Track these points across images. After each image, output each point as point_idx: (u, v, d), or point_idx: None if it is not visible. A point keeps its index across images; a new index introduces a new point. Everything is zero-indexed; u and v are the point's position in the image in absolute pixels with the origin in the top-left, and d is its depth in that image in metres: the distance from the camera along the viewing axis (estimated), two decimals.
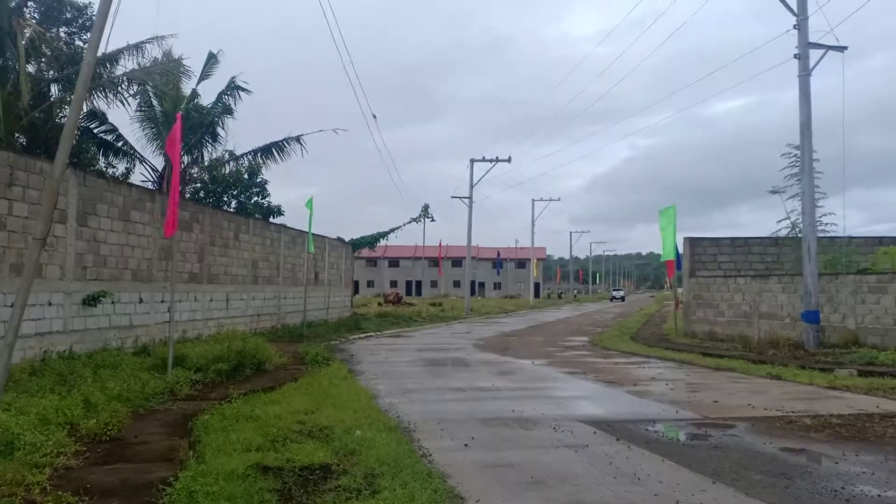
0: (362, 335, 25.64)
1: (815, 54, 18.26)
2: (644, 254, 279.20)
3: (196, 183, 29.58)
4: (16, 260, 12.40)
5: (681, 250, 25.03)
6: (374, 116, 30.54)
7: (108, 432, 7.98)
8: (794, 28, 18.10)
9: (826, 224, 20.86)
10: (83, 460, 7.09)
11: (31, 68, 19.31)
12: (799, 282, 19.29)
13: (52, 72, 18.93)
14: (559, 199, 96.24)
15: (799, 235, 21.26)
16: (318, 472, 6.69)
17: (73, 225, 13.99)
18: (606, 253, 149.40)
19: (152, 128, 23.96)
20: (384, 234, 37.83)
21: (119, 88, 19.12)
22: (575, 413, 10.06)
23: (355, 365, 16.16)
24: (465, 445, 8.01)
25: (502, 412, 10.13)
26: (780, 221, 22.41)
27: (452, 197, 49.63)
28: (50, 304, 13.25)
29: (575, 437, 8.45)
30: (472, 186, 48.16)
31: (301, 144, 26.31)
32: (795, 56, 18.19)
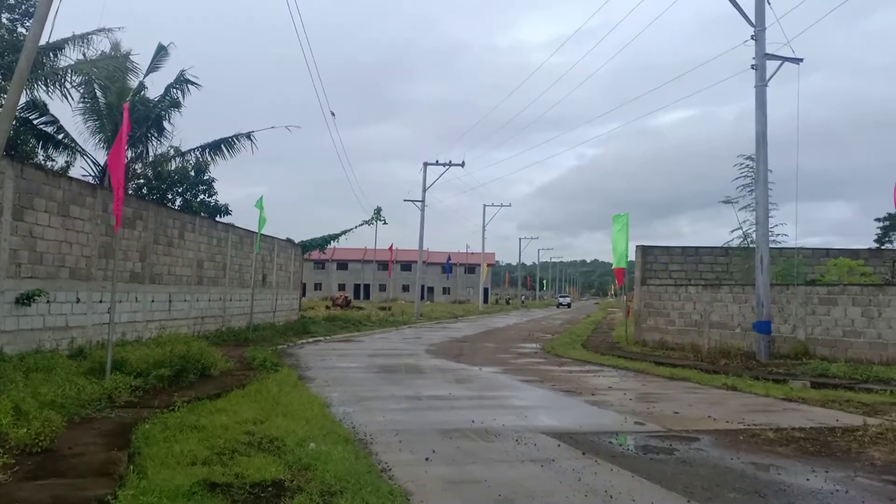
0: (311, 339, 25.02)
1: (771, 66, 18.43)
2: (588, 261, 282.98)
3: (139, 179, 28.52)
4: None
5: (632, 258, 25.09)
6: (333, 114, 29.97)
7: (40, 443, 7.35)
8: (752, 38, 18.25)
9: (777, 235, 21.10)
10: (11, 475, 6.47)
11: None
12: (750, 292, 19.45)
13: None
14: (510, 205, 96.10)
15: (750, 246, 21.49)
16: (270, 489, 6.24)
17: (8, 219, 13.17)
18: (553, 260, 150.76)
19: (95, 120, 22.96)
20: (335, 237, 37.16)
21: (62, 80, 18.17)
22: (536, 424, 9.77)
23: (305, 371, 15.63)
24: (427, 459, 7.63)
25: (461, 423, 9.78)
26: (732, 231, 22.65)
27: (405, 200, 49.28)
28: None
29: (539, 450, 8.14)
30: (424, 190, 47.83)
31: (252, 141, 25.63)
32: (752, 66, 18.34)
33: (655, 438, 9.04)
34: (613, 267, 26.72)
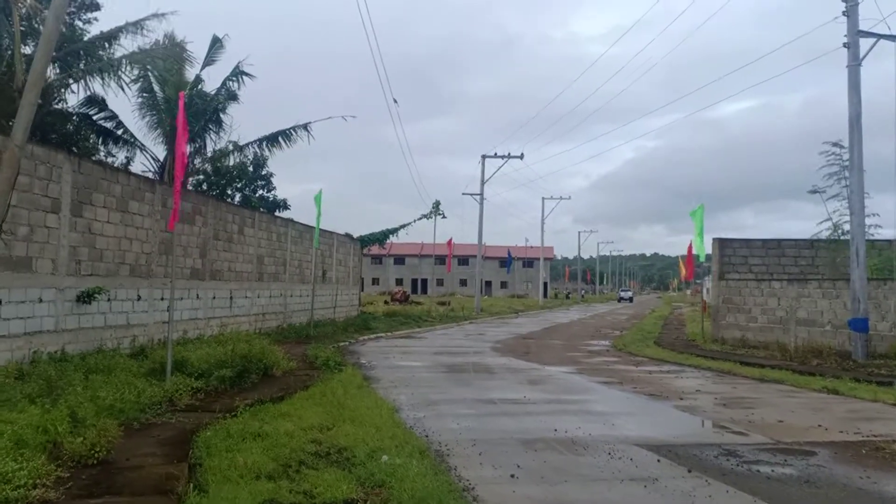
0: (372, 336, 24.47)
1: (864, 44, 17.01)
2: (648, 255, 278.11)
3: (199, 174, 28.41)
4: (3, 252, 11.24)
5: (709, 251, 23.79)
6: (395, 101, 29.36)
7: (96, 454, 6.79)
8: (844, 15, 16.87)
9: (868, 226, 19.55)
10: (64, 491, 5.93)
11: (27, 49, 18.15)
12: (842, 287, 18.10)
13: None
14: (570, 198, 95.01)
15: (841, 238, 20.04)
16: None
17: (67, 215, 12.84)
18: (612, 253, 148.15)
19: (154, 115, 22.76)
20: (394, 231, 36.62)
21: (118, 72, 17.90)
22: (627, 434, 8.87)
23: (369, 370, 15.00)
24: (512, 476, 6.83)
25: (544, 431, 8.95)
26: (820, 223, 21.10)
27: (464, 194, 48.42)
28: (41, 300, 12.12)
29: (638, 466, 7.25)
30: (483, 183, 46.98)
31: (308, 132, 25.14)
32: (844, 45, 16.94)
33: (765, 452, 8.05)
34: (701, 261, 25.38)
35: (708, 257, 23.63)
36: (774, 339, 19.80)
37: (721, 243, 22.76)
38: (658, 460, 7.49)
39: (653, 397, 12.02)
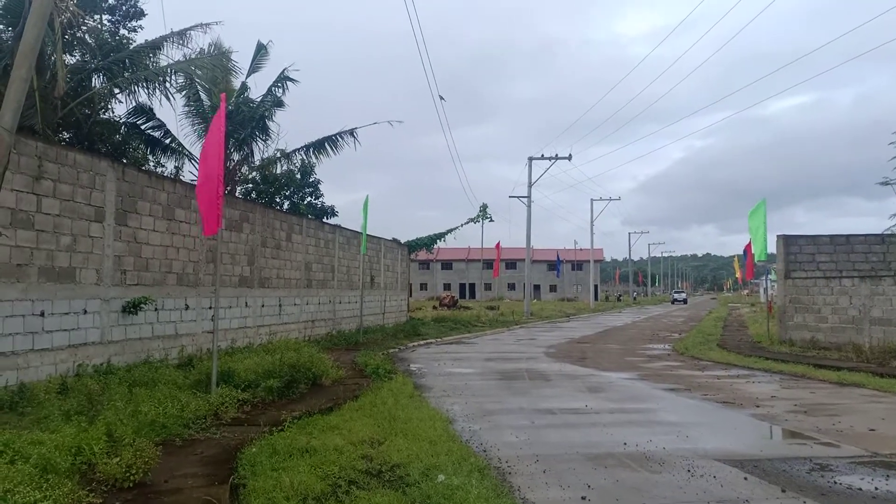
0: (422, 342, 23.95)
1: None
2: (700, 255, 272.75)
3: (247, 183, 28.32)
4: (45, 263, 11.01)
5: (771, 249, 22.67)
6: (442, 98, 28.89)
7: (132, 476, 6.34)
8: None
9: None
10: None
11: (72, 59, 18.13)
12: None
13: (94, 62, 17.65)
14: (619, 199, 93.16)
15: None
16: None
17: (112, 224, 12.59)
18: (664, 254, 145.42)
19: (201, 124, 22.66)
20: (441, 236, 36.14)
21: (164, 80, 17.75)
22: (704, 447, 8.12)
23: (420, 378, 14.45)
24: (584, 499, 6.17)
25: (612, 445, 8.25)
26: (893, 216, 19.87)
27: (510, 196, 47.84)
28: (85, 311, 11.86)
29: (723, 486, 6.52)
30: (530, 185, 46.17)
31: (355, 138, 24.84)
32: None
33: (863, 466, 7.23)
34: (757, 260, 24.27)
35: (771, 256, 22.52)
36: (847, 340, 18.66)
37: (786, 240, 21.62)
38: (745, 478, 6.74)
39: (726, 405, 11.18)
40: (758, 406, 10.99)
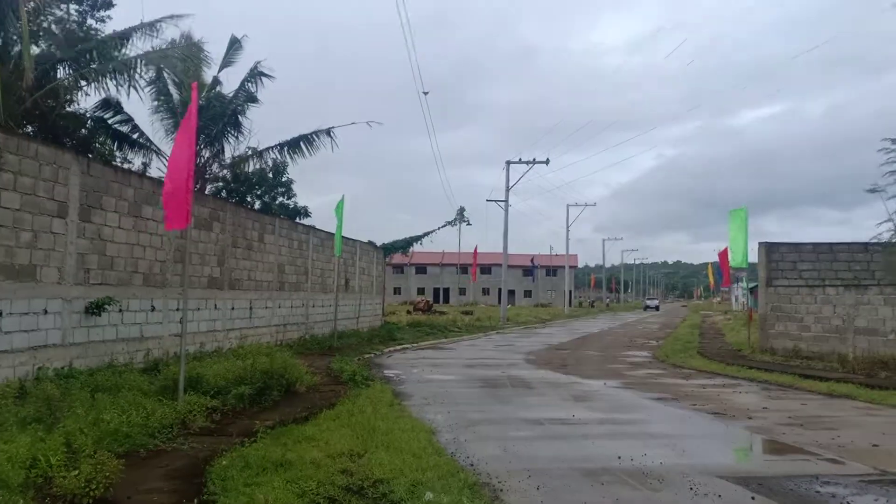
0: (398, 347, 23.39)
1: None
2: (671, 262, 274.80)
3: (218, 181, 27.54)
4: (4, 260, 10.33)
5: (752, 257, 22.50)
6: (426, 93, 28.46)
7: (92, 491, 5.75)
8: None
9: None
10: None
11: (37, 49, 17.34)
12: None
13: (60, 51, 16.87)
14: (595, 205, 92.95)
15: None
16: None
17: (75, 220, 11.91)
18: (637, 261, 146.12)
19: (171, 118, 21.91)
20: (418, 238, 35.64)
21: (133, 72, 17.02)
22: (703, 462, 7.70)
23: (399, 385, 13.91)
24: None
25: (606, 459, 7.79)
26: (880, 224, 19.63)
27: (488, 200, 47.24)
28: (46, 312, 11.18)
29: None
30: (508, 189, 45.81)
31: (332, 138, 24.20)
32: None
33: (875, 486, 6.84)
34: (733, 266, 24.06)
35: (752, 264, 22.31)
36: (831, 350, 18.46)
37: (768, 248, 21.42)
38: (752, 498, 6.30)
39: (717, 416, 10.79)
40: (750, 418, 10.61)
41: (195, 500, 5.94)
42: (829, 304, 18.98)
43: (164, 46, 17.60)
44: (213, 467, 6.92)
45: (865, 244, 21.03)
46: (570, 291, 75.48)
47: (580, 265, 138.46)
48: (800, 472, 7.33)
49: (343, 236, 22.77)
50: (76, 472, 6.01)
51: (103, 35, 17.79)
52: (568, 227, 67.61)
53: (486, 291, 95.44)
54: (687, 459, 7.83)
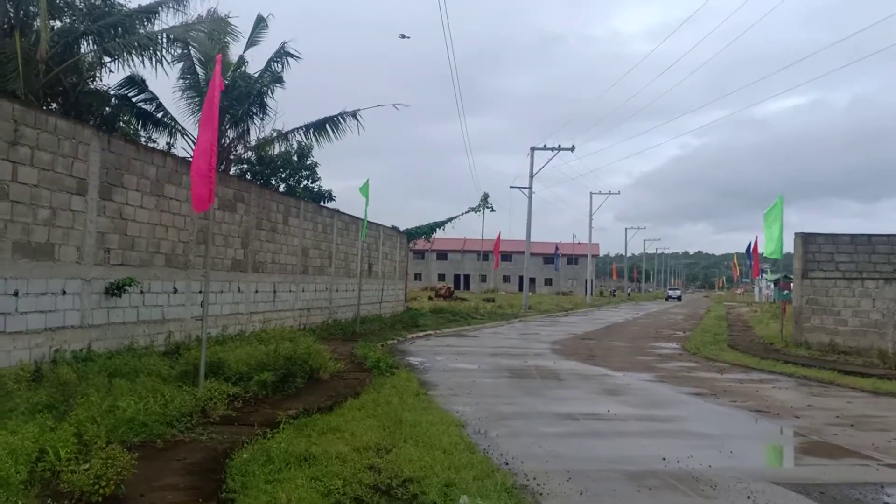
0: (420, 334, 22.99)
1: None
2: (692, 252, 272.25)
3: (242, 163, 27.20)
4: (21, 237, 9.99)
5: (787, 248, 21.80)
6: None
7: (102, 489, 5.36)
8: None
9: None
10: None
11: (59, 24, 17.00)
12: None
13: (83, 25, 16.50)
14: (619, 193, 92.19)
15: None
16: None
17: (95, 198, 11.56)
18: (659, 251, 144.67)
19: (195, 97, 21.52)
20: (441, 224, 35.10)
21: (158, 48, 16.64)
22: (754, 466, 7.22)
23: (424, 374, 13.50)
24: None
25: (650, 460, 7.30)
26: None
27: (511, 187, 46.83)
28: (64, 292, 10.86)
29: None
30: (532, 176, 45.18)
31: (357, 121, 23.71)
32: None
33: None
34: (767, 255, 23.34)
35: (787, 255, 21.61)
36: (869, 345, 17.81)
37: (804, 239, 20.70)
38: None
39: (760, 414, 10.25)
40: (797, 417, 10.06)
41: (213, 501, 5.55)
42: (867, 297, 18.31)
43: (190, 21, 17.17)
44: (233, 461, 6.55)
45: None
46: (592, 280, 74.70)
47: (601, 254, 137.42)
48: (861, 479, 6.79)
49: (367, 221, 22.36)
50: (86, 465, 5.63)
51: (128, 9, 17.39)
52: (591, 215, 66.86)
53: (506, 279, 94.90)
54: (737, 462, 7.32)
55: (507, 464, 7.02)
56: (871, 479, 6.77)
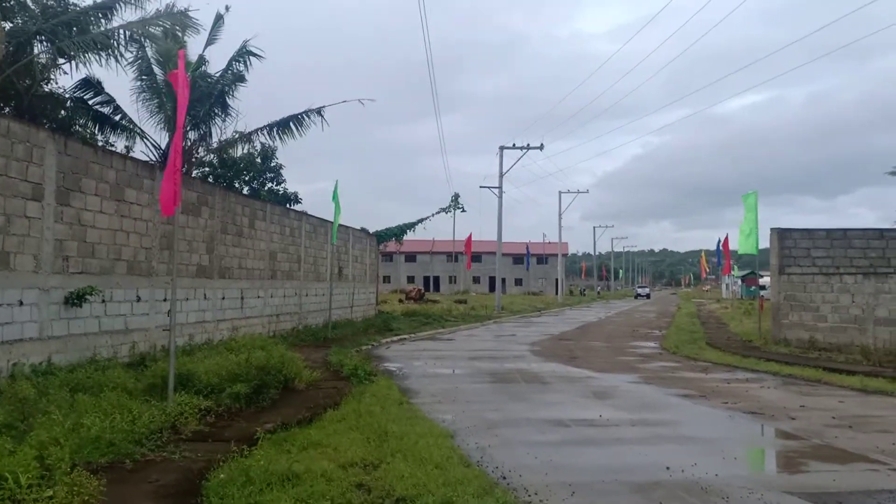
0: (395, 338, 22.46)
1: None
2: (657, 250, 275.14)
3: (204, 167, 26.38)
4: None
5: (763, 244, 21.71)
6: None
7: None
8: None
9: None
10: None
11: (9, 24, 16.17)
12: None
13: (36, 25, 15.69)
14: (587, 192, 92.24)
15: None
16: None
17: (52, 203, 10.90)
18: (626, 249, 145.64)
19: (154, 99, 20.73)
20: (411, 226, 34.59)
21: (116, 45, 15.89)
22: (763, 474, 6.89)
23: (404, 381, 13.02)
24: None
25: (653, 470, 6.91)
26: None
27: (481, 187, 46.77)
28: (21, 303, 10.19)
29: None
30: (501, 175, 44.86)
31: (322, 118, 23.09)
32: None
33: None
34: (741, 252, 23.27)
35: (762, 251, 21.53)
36: (849, 341, 17.70)
37: (780, 234, 20.59)
38: None
39: (755, 416, 9.94)
40: (792, 418, 9.76)
41: None
42: (846, 292, 18.21)
43: (148, 17, 16.42)
44: (209, 482, 6.03)
45: (881, 230, 20.30)
46: (562, 280, 74.73)
47: (570, 253, 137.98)
48: (876, 486, 6.47)
49: (338, 223, 21.79)
50: (49, 492, 5.09)
51: (83, 7, 16.60)
52: (560, 214, 66.81)
53: (476, 280, 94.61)
54: (743, 470, 6.98)
55: (504, 478, 6.58)
56: (887, 487, 6.43)
